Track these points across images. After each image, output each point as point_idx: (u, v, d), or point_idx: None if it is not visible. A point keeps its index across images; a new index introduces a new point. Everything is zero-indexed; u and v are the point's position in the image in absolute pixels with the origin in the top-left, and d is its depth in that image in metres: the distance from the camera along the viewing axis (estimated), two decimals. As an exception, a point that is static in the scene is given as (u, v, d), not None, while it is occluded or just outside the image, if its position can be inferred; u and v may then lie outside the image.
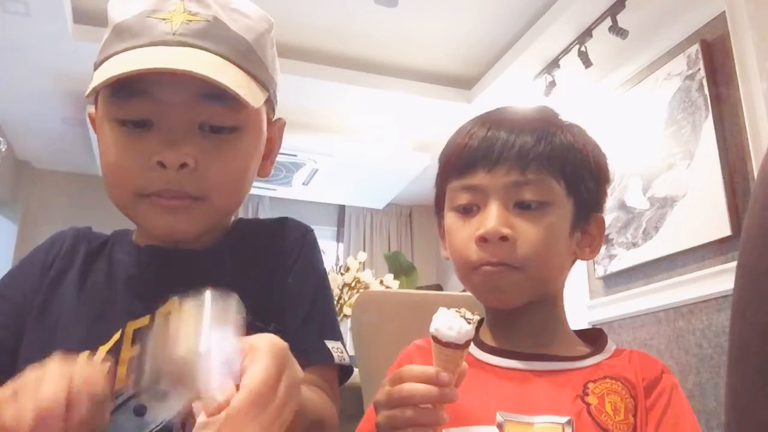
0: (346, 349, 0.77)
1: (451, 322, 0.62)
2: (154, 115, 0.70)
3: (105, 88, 0.70)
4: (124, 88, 0.69)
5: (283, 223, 0.84)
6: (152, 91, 0.69)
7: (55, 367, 0.50)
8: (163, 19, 0.71)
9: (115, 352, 0.70)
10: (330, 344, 0.74)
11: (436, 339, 0.63)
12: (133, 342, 0.71)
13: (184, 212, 0.72)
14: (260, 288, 0.76)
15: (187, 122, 0.70)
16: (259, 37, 0.76)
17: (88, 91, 0.68)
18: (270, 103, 0.79)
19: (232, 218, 0.86)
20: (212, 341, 0.47)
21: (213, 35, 0.71)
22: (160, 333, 0.47)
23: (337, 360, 0.73)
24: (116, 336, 0.71)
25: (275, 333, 0.74)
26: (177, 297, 0.72)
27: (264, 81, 0.75)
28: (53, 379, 0.48)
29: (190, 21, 0.71)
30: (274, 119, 0.84)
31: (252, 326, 0.72)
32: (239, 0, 0.77)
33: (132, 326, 0.72)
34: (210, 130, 0.72)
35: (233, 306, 0.49)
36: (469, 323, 0.62)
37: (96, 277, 0.78)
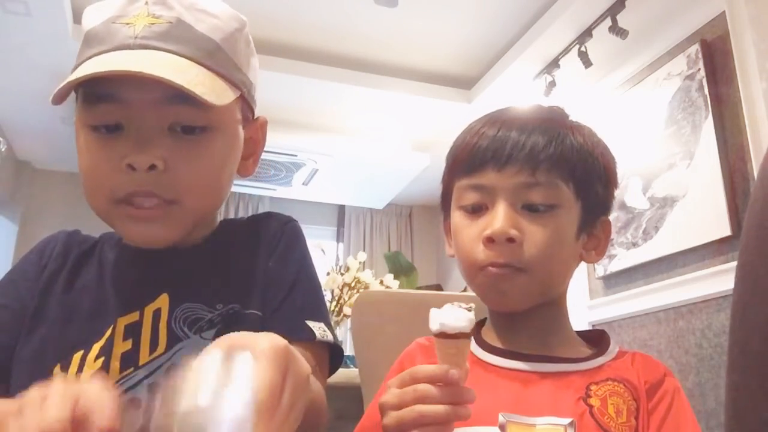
0: (332, 330, 0.76)
1: (455, 314, 0.61)
2: (124, 119, 0.71)
3: (78, 95, 0.72)
4: (93, 94, 0.70)
5: (265, 216, 0.86)
6: (121, 95, 0.70)
7: (61, 386, 0.48)
8: (127, 24, 0.71)
9: (107, 347, 0.71)
10: (311, 323, 0.74)
11: (443, 334, 0.61)
12: (124, 337, 0.72)
13: (156, 220, 0.72)
14: (247, 278, 0.77)
15: (155, 124, 0.71)
16: (228, 36, 0.75)
17: (51, 97, 0.68)
18: (245, 101, 0.79)
19: (218, 218, 0.86)
20: (216, 396, 0.44)
21: (175, 37, 0.71)
22: (166, 392, 0.44)
23: (318, 337, 0.72)
24: (108, 332, 0.72)
25: (262, 319, 0.72)
26: (167, 294, 0.74)
27: (235, 80, 0.75)
28: (58, 399, 0.46)
29: (153, 24, 0.71)
30: (254, 118, 0.83)
31: (240, 315, 0.73)
32: (208, 1, 0.76)
33: (122, 322, 0.73)
34: (182, 131, 0.72)
35: (244, 361, 0.46)
36: (469, 311, 0.62)
37: (87, 277, 0.79)
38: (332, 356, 0.77)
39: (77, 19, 3.00)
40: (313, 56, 3.42)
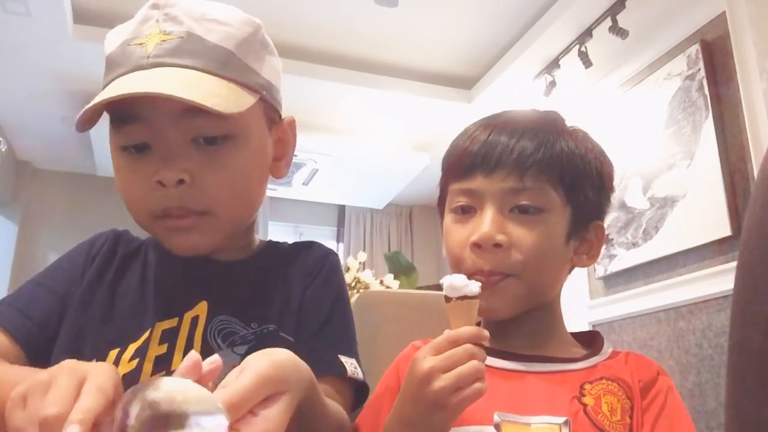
0: (361, 368, 0.77)
1: (464, 279, 0.68)
2: (149, 138, 0.72)
3: (109, 117, 0.74)
4: (119, 116, 0.73)
5: (308, 245, 0.87)
6: (142, 115, 0.71)
7: (66, 372, 0.48)
8: (140, 44, 0.72)
9: (143, 349, 0.73)
10: (344, 359, 0.75)
11: (465, 297, 0.67)
12: (160, 341, 0.73)
13: (193, 230, 0.74)
14: (282, 303, 0.78)
15: (179, 139, 0.72)
16: (241, 42, 0.75)
17: (75, 124, 0.70)
18: (268, 104, 0.79)
19: (258, 236, 0.88)
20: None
21: (186, 50, 0.71)
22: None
23: (350, 374, 0.74)
24: (146, 335, 0.74)
25: (294, 346, 0.76)
26: (206, 302, 0.75)
27: (252, 84, 0.75)
28: (62, 387, 0.46)
29: (164, 41, 0.72)
30: (281, 118, 0.84)
31: (276, 336, 0.74)
32: (218, 10, 0.76)
33: (160, 327, 0.74)
34: (205, 142, 0.73)
35: None
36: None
37: (131, 278, 0.80)
38: (356, 392, 0.78)
39: (77, 19, 3.01)
40: (313, 56, 3.42)
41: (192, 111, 0.69)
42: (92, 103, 0.68)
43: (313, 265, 0.83)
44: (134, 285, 0.79)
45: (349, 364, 0.75)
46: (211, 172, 0.72)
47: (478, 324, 0.85)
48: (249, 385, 0.50)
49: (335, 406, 0.70)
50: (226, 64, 0.73)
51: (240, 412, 0.49)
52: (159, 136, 0.72)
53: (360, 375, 0.76)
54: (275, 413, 0.51)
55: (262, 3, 3.03)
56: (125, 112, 0.72)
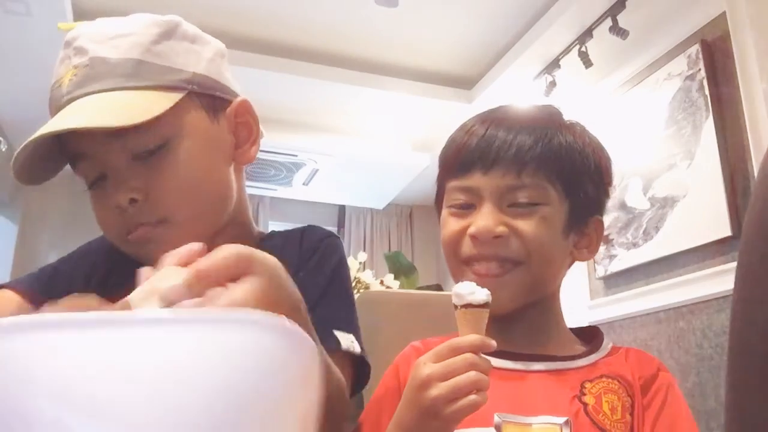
0: (360, 343, 0.76)
1: (472, 287, 0.65)
2: (101, 169, 0.74)
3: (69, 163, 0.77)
4: (69, 160, 0.76)
5: (306, 229, 0.87)
6: (84, 150, 0.73)
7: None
8: (59, 86, 0.74)
9: None
10: (339, 333, 0.74)
11: (470, 305, 0.65)
12: None
13: (152, 241, 0.74)
14: None
15: (122, 161, 0.73)
16: (150, 46, 0.74)
17: (14, 176, 0.74)
18: (204, 95, 0.77)
19: (254, 224, 0.88)
20: None
21: (92, 77, 0.72)
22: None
23: (344, 347, 0.73)
24: None
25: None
26: None
27: (173, 83, 0.74)
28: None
29: (74, 75, 0.73)
30: (233, 105, 0.81)
31: None
32: (124, 23, 0.76)
33: None
34: (148, 154, 0.73)
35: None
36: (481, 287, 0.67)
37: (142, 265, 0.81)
38: (360, 371, 0.77)
39: (78, 18, 3.00)
40: (313, 56, 3.42)
41: (116, 132, 0.69)
42: (12, 159, 0.70)
43: (307, 249, 0.82)
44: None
45: (345, 338, 0.73)
46: (159, 182, 0.73)
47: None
48: (217, 256, 0.47)
49: (336, 368, 0.68)
50: (135, 74, 0.72)
51: (207, 280, 0.46)
52: (105, 164, 0.73)
53: (357, 349, 0.74)
54: (245, 287, 0.47)
55: (262, 3, 3.04)
56: (72, 155, 0.75)
